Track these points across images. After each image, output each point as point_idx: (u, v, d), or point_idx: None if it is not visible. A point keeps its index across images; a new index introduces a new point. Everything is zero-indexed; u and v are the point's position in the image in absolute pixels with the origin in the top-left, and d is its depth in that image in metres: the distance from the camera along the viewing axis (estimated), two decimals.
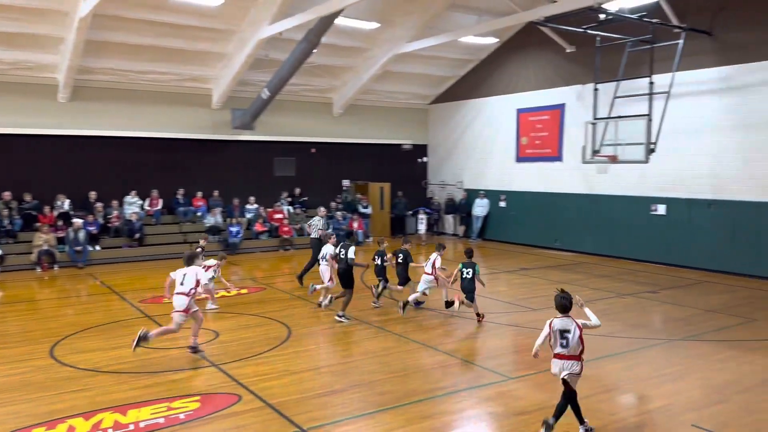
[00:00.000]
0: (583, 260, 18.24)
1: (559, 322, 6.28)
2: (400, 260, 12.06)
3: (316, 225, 15.01)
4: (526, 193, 21.34)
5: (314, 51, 17.47)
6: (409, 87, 23.87)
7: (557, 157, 20.31)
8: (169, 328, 8.81)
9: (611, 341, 9.83)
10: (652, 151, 14.77)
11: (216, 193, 20.77)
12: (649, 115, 14.71)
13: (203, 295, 11.62)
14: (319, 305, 11.88)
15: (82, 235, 17.13)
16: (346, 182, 23.88)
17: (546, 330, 6.32)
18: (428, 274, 11.47)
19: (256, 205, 21.08)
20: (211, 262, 12.21)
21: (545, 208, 20.57)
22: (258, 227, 20.40)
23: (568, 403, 6.23)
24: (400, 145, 24.90)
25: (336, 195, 23.13)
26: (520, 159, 21.69)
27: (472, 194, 23.27)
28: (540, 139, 20.87)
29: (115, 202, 18.91)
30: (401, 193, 24.26)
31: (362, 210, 22.73)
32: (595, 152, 15.85)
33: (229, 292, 13.08)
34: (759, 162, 15.11)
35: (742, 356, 8.97)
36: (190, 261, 8.93)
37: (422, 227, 22.68)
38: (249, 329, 10.38)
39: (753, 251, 15.29)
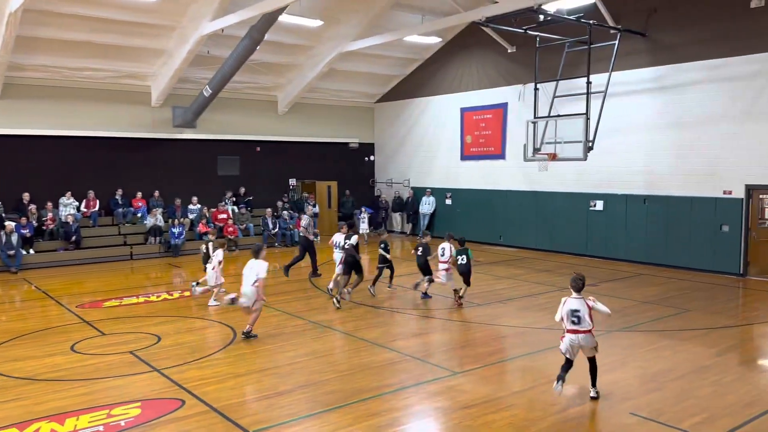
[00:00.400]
0: (526, 255, 18.65)
1: (571, 301, 7.06)
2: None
3: (304, 224, 15.65)
4: (471, 191, 21.66)
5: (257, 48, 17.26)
6: (354, 85, 23.85)
7: (500, 155, 20.69)
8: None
9: (552, 333, 10.06)
10: (590, 149, 15.22)
11: (156, 193, 20.24)
12: (587, 114, 15.15)
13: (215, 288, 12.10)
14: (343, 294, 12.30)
15: (15, 238, 16.40)
16: (292, 181, 23.68)
17: (560, 309, 7.15)
18: (444, 262, 12.11)
19: (199, 206, 20.64)
20: (220, 254, 12.14)
21: (489, 205, 20.93)
22: (201, 228, 19.97)
23: (595, 367, 7.18)
24: (346, 143, 24.86)
25: (283, 194, 22.90)
26: (464, 157, 21.99)
27: (418, 192, 23.46)
28: (484, 137, 21.21)
29: (49, 204, 18.19)
30: (349, 191, 24.23)
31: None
32: (536, 150, 16.22)
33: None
34: (690, 158, 15.78)
35: (677, 345, 9.35)
36: (257, 254, 9.68)
37: (364, 226, 22.57)
38: (192, 332, 10.17)
39: (685, 244, 15.97)
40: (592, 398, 7.16)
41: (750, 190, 14.88)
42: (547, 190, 19.11)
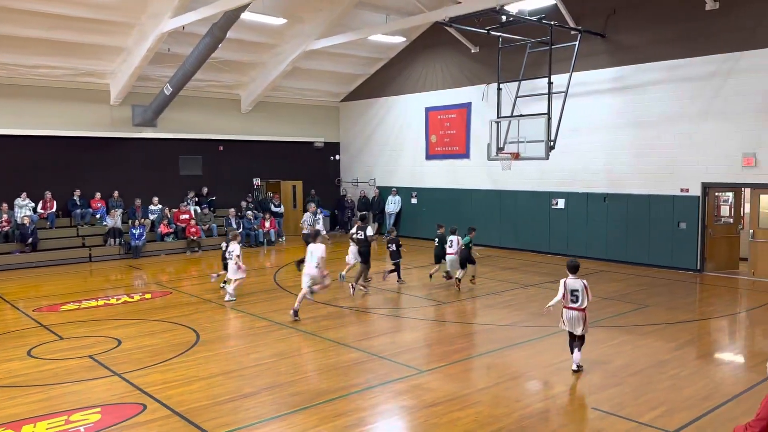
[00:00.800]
0: (491, 253, 18.81)
1: (571, 282, 7.98)
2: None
3: (306, 221, 16.80)
4: (437, 190, 21.78)
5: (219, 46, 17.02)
6: (319, 84, 23.73)
7: (465, 155, 20.85)
8: (304, 293, 10.90)
9: (516, 330, 10.21)
10: (552, 148, 15.44)
11: (116, 193, 19.79)
12: (548, 114, 15.37)
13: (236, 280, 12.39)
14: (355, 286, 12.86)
15: None
16: (256, 181, 23.44)
17: (561, 289, 8.00)
18: (452, 254, 13.49)
19: (160, 206, 20.27)
20: (237, 248, 12.40)
21: (454, 204, 21.06)
22: (163, 229, 19.63)
23: (582, 342, 8.09)
24: (311, 143, 24.73)
25: (247, 194, 22.65)
26: (430, 156, 22.09)
27: (384, 191, 23.47)
28: (448, 137, 21.34)
29: (4, 206, 17.64)
30: (314, 191, 24.10)
31: (274, 209, 22.39)
32: (499, 149, 16.39)
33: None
34: (649, 157, 16.15)
35: (637, 340, 9.56)
36: (314, 239, 10.64)
37: (319, 226, 21.88)
38: (154, 335, 9.97)
39: (645, 241, 16.34)
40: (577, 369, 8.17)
41: (706, 188, 15.30)
42: (510, 189, 19.34)
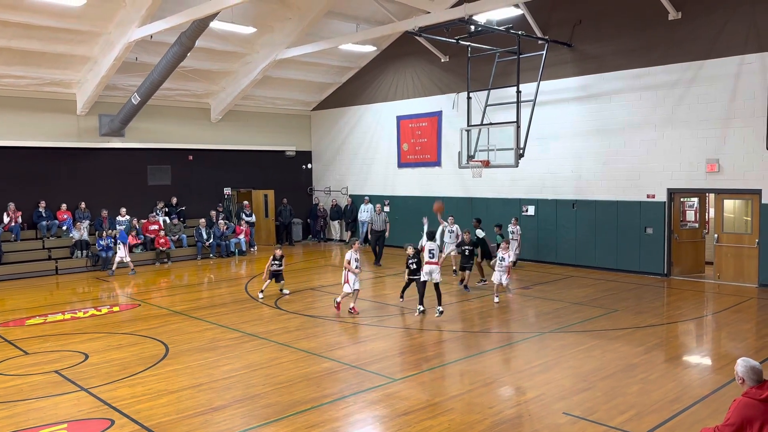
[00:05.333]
0: None
1: (429, 244, 11.59)
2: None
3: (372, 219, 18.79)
4: (409, 198, 21.84)
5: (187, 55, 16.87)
6: (290, 93, 23.67)
7: (436, 163, 20.97)
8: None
9: (488, 337, 10.28)
10: (521, 155, 15.63)
11: (83, 205, 19.42)
12: (517, 122, 15.56)
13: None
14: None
15: None
16: (227, 190, 23.24)
17: (425, 250, 11.53)
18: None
19: (128, 217, 19.93)
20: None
21: (427, 212, 21.07)
22: (131, 240, 19.30)
23: (440, 292, 11.67)
24: (283, 151, 24.62)
25: (217, 203, 22.42)
26: (401, 164, 22.16)
27: (357, 200, 23.46)
28: (420, 145, 21.45)
29: None
30: (286, 200, 23.98)
31: (246, 218, 22.21)
32: (470, 157, 16.53)
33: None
34: (615, 164, 16.43)
35: (606, 345, 9.68)
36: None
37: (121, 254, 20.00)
38: (121, 349, 9.79)
39: (612, 247, 16.60)
40: (440, 313, 11.42)
41: (672, 193, 15.62)
42: (482, 197, 19.49)
